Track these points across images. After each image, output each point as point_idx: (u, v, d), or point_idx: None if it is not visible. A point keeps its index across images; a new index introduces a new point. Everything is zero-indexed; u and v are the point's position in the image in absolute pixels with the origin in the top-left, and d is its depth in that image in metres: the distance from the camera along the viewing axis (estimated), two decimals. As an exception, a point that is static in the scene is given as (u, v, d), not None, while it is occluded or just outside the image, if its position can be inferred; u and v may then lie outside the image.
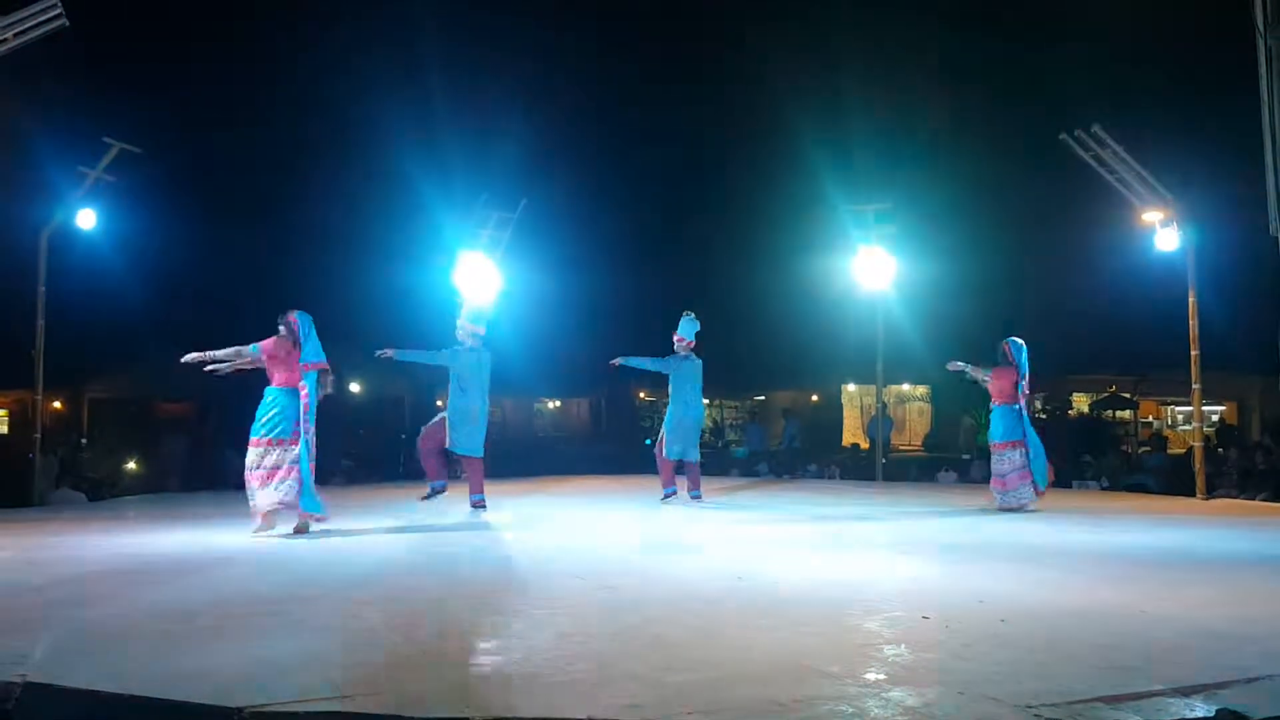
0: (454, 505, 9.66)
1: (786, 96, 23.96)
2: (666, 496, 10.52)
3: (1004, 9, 23.07)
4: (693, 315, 10.80)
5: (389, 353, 9.46)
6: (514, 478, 13.73)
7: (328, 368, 7.83)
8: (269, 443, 7.55)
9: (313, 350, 7.75)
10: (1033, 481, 9.73)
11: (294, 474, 7.49)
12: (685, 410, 10.70)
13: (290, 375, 7.71)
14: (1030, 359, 9.96)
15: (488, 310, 10.15)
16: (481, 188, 14.34)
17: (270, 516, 7.53)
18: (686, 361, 10.71)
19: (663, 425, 10.87)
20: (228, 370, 7.94)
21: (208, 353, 7.83)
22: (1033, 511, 9.62)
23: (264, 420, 7.62)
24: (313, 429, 7.65)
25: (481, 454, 9.58)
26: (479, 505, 9.39)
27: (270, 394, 7.72)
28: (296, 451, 7.53)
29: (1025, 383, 9.88)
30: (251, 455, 7.55)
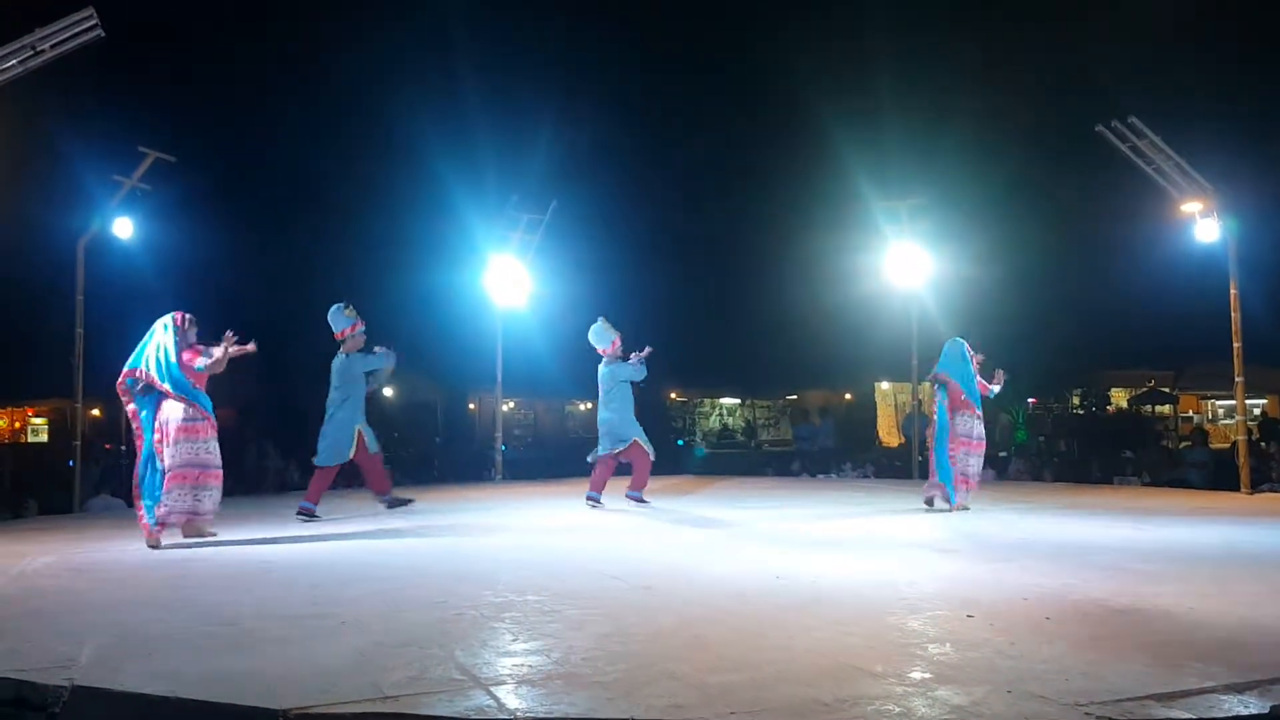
0: (488, 506, 9.68)
1: (819, 91, 23.86)
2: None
3: (1040, 1, 22.86)
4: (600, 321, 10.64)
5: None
6: (547, 479, 13.75)
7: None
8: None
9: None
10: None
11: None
12: (603, 413, 10.58)
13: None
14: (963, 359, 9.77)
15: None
16: (512, 190, 14.38)
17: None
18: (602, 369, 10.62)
19: (637, 435, 10.42)
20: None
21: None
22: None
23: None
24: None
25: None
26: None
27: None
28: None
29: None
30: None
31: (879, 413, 30.27)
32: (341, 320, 9.47)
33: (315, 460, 9.38)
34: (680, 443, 28.58)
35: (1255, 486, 11.50)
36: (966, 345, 9.87)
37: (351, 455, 9.26)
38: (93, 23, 9.64)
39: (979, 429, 9.72)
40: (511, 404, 27.94)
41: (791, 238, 25.38)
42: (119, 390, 7.57)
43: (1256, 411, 23.66)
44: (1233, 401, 12.67)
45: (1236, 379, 11.79)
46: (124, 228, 12.06)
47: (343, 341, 9.45)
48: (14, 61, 9.42)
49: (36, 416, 27.58)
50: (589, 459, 10.61)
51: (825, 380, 29.71)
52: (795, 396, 30.70)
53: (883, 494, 11.84)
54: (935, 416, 9.78)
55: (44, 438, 26.78)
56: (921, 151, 19.36)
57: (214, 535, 7.50)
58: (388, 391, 26.45)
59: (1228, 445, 16.22)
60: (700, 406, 34.37)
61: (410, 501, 9.60)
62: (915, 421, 15.55)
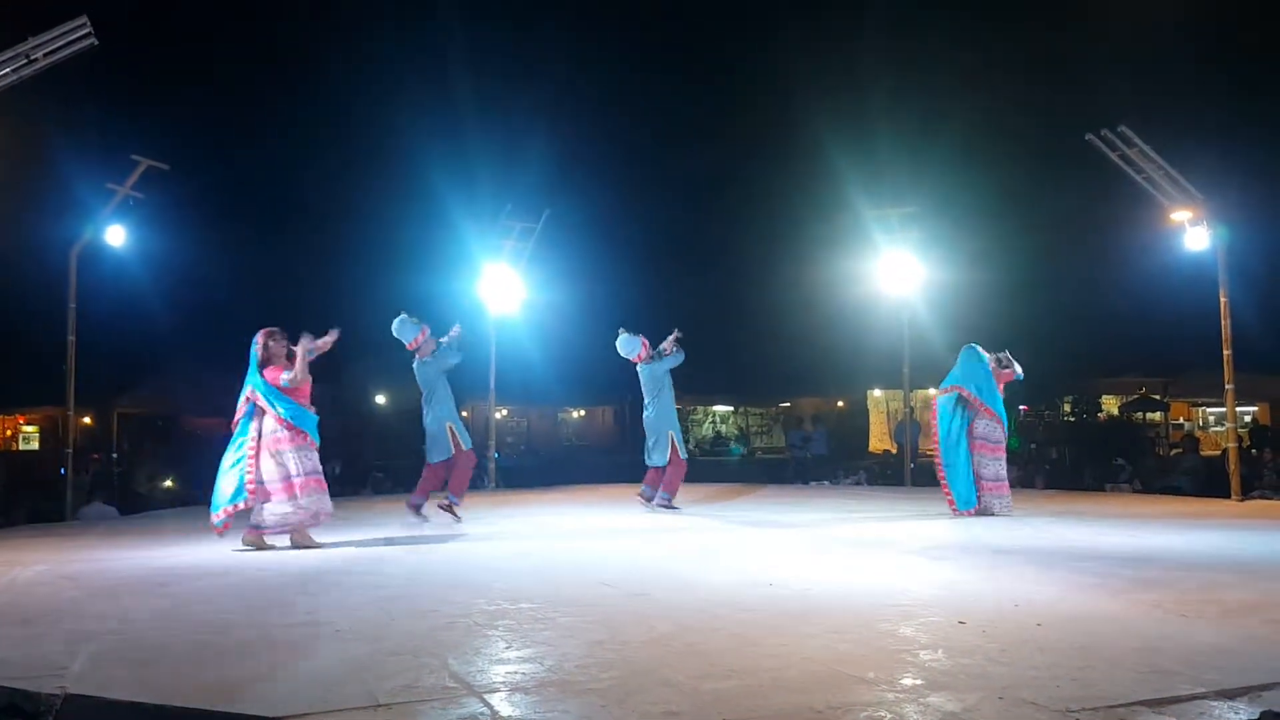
0: (481, 514, 9.68)
1: (811, 101, 23.98)
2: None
3: (1031, 10, 22.97)
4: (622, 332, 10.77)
5: None
6: (540, 487, 13.75)
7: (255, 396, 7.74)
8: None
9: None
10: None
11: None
12: (648, 411, 10.78)
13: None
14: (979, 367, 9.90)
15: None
16: (505, 199, 14.42)
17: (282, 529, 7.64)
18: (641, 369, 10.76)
19: (667, 429, 10.63)
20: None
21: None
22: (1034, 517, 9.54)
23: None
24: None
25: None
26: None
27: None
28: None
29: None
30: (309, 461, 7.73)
31: (871, 420, 30.35)
32: (409, 330, 9.60)
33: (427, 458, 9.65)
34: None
35: (1246, 493, 11.55)
36: (979, 349, 9.92)
37: (452, 451, 9.44)
38: (86, 31, 9.66)
39: (998, 433, 9.79)
40: (504, 411, 27.95)
41: (784, 246, 25.51)
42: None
43: (1247, 418, 23.77)
44: (1223, 409, 12.72)
45: (1227, 386, 11.84)
46: (117, 235, 12.06)
47: (417, 349, 9.57)
48: (8, 70, 9.44)
49: (27, 424, 27.52)
50: (649, 463, 10.71)
51: (818, 388, 29.78)
52: (789, 404, 30.74)
53: (875, 501, 11.87)
54: (937, 425, 9.84)
55: (35, 445, 26.72)
56: (913, 160, 19.48)
57: (318, 545, 7.61)
58: (380, 399, 26.47)
59: (1218, 452, 16.29)
60: (693, 414, 34.41)
61: (458, 518, 9.58)
62: (907, 429, 15.60)
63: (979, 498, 9.64)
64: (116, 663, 3.90)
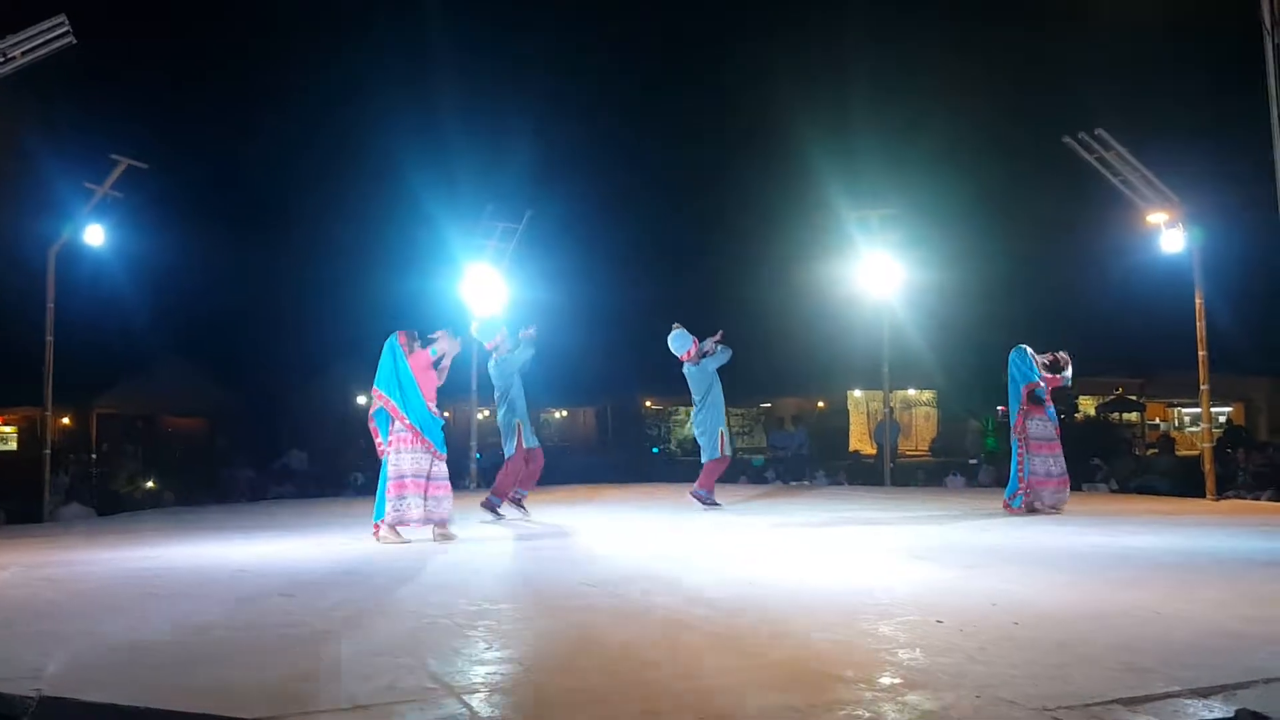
0: (461, 514, 9.66)
1: (791, 102, 24.02)
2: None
3: (1009, 12, 23.11)
4: (678, 327, 10.96)
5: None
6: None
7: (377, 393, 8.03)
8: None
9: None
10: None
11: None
12: (697, 414, 10.99)
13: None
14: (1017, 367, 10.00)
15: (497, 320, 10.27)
16: (487, 199, 14.41)
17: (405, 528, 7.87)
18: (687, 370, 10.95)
19: (718, 426, 10.89)
20: None
21: None
22: (1044, 515, 9.61)
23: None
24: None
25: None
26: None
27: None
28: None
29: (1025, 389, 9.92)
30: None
31: (851, 420, 30.45)
32: (489, 330, 9.98)
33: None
34: (655, 450, 28.62)
35: (1221, 493, 11.65)
36: (1029, 350, 9.99)
37: (514, 449, 9.73)
38: (65, 29, 9.60)
39: (1048, 429, 9.91)
40: (486, 412, 27.86)
41: (765, 246, 25.55)
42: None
43: (1222, 419, 23.97)
44: (1198, 409, 12.83)
45: (1202, 387, 11.94)
46: (96, 235, 11.98)
47: (495, 349, 9.87)
48: (-15, 68, 9.36)
49: (5, 425, 27.29)
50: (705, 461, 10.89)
51: (799, 388, 29.85)
52: (769, 405, 30.80)
53: (855, 501, 11.91)
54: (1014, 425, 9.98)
55: (13, 446, 26.51)
56: (893, 162, 19.54)
57: (453, 537, 7.95)
58: (362, 400, 26.35)
59: (1194, 452, 16.43)
60: (675, 415, 34.43)
61: (500, 517, 9.73)
62: (886, 429, 15.65)
63: (1024, 493, 9.74)
64: (92, 665, 3.88)
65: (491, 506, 9.70)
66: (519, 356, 9.85)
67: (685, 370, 10.91)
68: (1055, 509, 9.71)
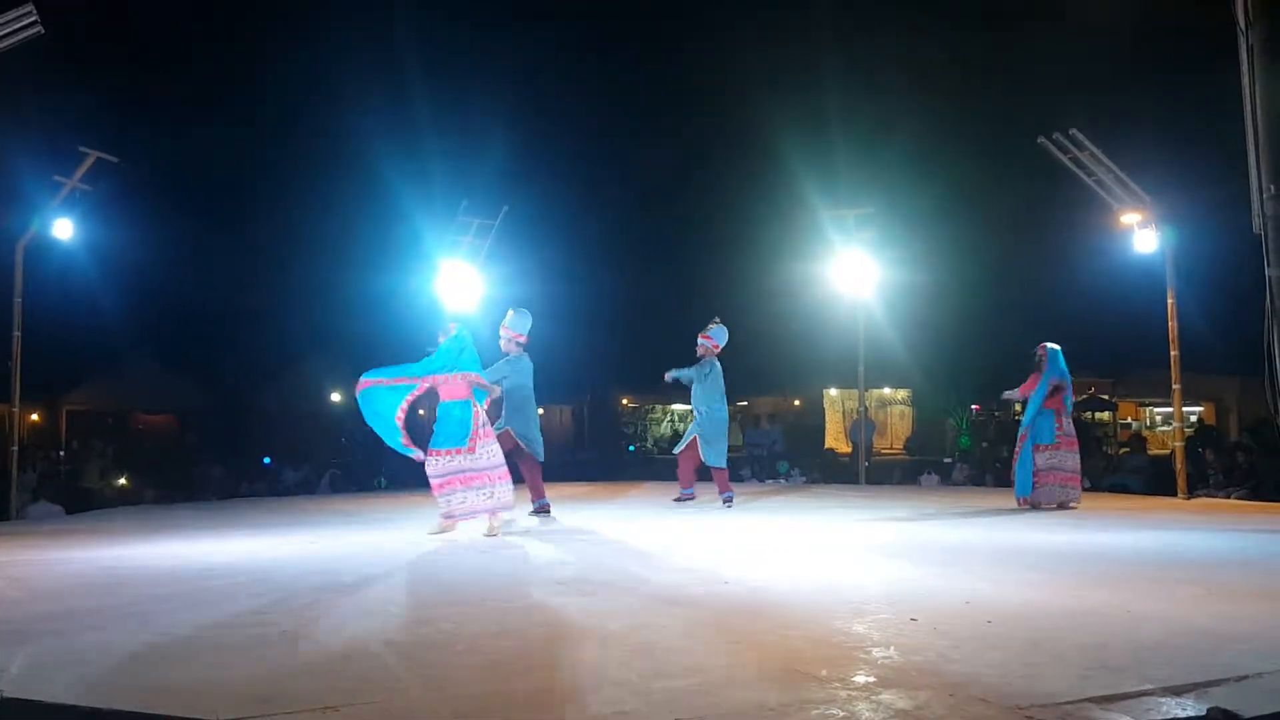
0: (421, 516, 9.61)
1: (767, 101, 24.04)
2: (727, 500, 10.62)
3: (981, 13, 23.22)
4: (721, 323, 10.98)
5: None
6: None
7: (479, 380, 8.18)
8: (448, 452, 7.94)
9: (469, 361, 8.10)
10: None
11: (477, 480, 7.96)
12: (722, 413, 10.88)
13: (453, 389, 8.05)
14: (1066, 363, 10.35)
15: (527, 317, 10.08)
16: (462, 195, 14.32)
17: (453, 521, 7.94)
18: (715, 366, 10.84)
19: (697, 431, 10.80)
20: None
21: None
22: (1019, 512, 9.68)
23: (442, 433, 8.02)
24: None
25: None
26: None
27: (442, 409, 8.11)
28: (479, 459, 7.99)
29: (1069, 389, 10.37)
30: (434, 466, 7.93)
31: (827, 419, 30.54)
32: (521, 323, 10.03)
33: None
34: (631, 449, 28.60)
35: (1192, 492, 11.75)
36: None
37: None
38: (33, 19, 9.47)
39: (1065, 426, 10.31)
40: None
41: (741, 245, 25.55)
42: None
43: (1193, 418, 24.18)
44: (1170, 408, 12.93)
45: (1174, 386, 12.04)
46: (64, 229, 11.82)
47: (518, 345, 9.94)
48: (-50, 58, 9.22)
49: (-29, 421, 26.90)
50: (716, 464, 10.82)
51: (775, 387, 29.90)
52: (745, 403, 30.85)
53: (830, 499, 11.93)
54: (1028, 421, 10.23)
55: (-21, 443, 26.13)
56: (868, 161, 19.60)
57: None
58: (335, 397, 26.22)
59: (1166, 451, 16.55)
60: (652, 413, 34.42)
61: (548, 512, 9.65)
62: (862, 428, 15.70)
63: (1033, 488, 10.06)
64: (55, 665, 3.82)
65: (544, 509, 9.65)
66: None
67: (714, 366, 10.81)
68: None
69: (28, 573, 6.43)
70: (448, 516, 7.95)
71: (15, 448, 11.88)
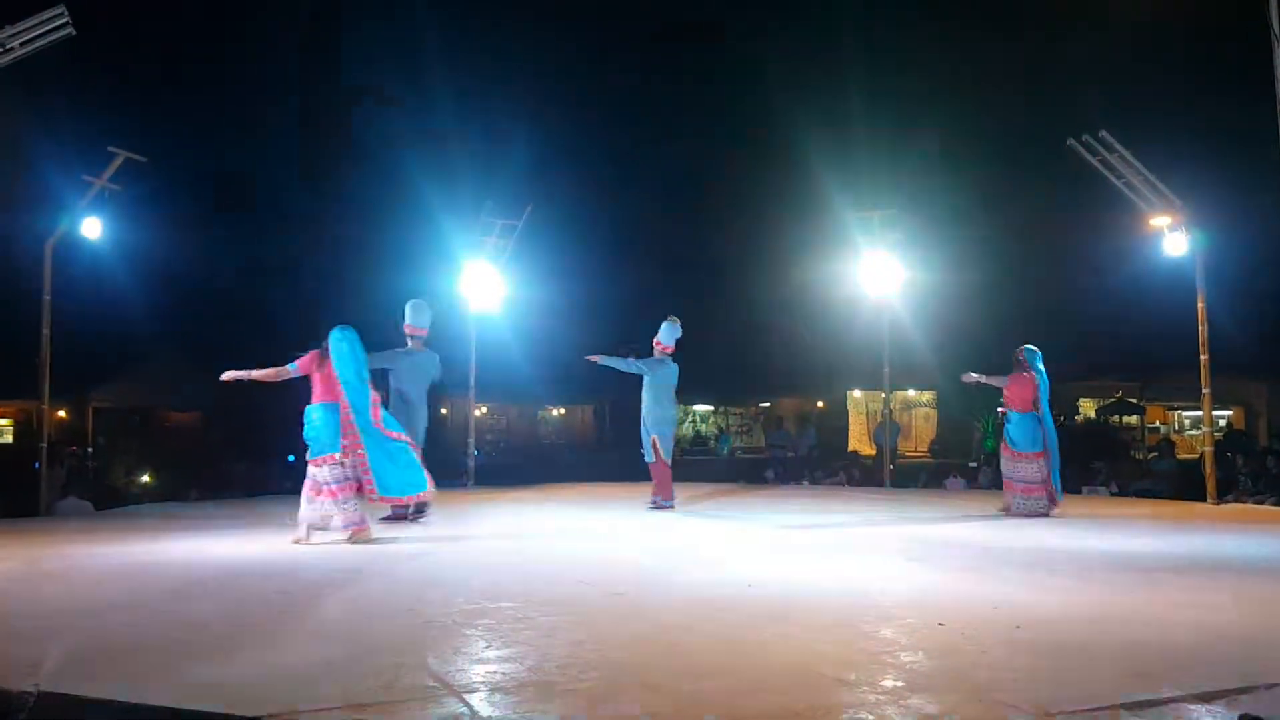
0: (459, 512, 9.64)
1: (792, 102, 23.98)
2: (663, 506, 10.44)
3: (1012, 14, 23.08)
4: (676, 321, 10.78)
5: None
6: (519, 485, 13.70)
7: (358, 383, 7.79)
8: (315, 461, 7.66)
9: (342, 365, 7.74)
10: (1049, 491, 9.81)
11: (342, 492, 7.55)
12: (672, 412, 10.79)
13: (326, 390, 7.75)
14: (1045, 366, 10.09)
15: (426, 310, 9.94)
16: (486, 195, 14.35)
17: (307, 529, 7.60)
18: (665, 365, 10.66)
19: (652, 429, 10.57)
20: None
21: (248, 372, 7.83)
22: (1049, 518, 9.61)
23: (309, 439, 7.74)
24: (378, 425, 7.75)
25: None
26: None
27: (308, 411, 7.80)
28: (342, 470, 7.59)
29: (1044, 391, 10.00)
30: (310, 471, 7.68)
31: (851, 421, 30.41)
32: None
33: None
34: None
35: (1221, 497, 11.63)
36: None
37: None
38: (64, 20, 9.56)
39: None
40: (484, 409, 27.85)
41: (766, 246, 25.50)
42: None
43: (1222, 422, 23.95)
44: (1199, 412, 12.80)
45: (1203, 390, 11.92)
46: (93, 228, 11.92)
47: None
48: (-16, 59, 9.33)
49: (2, 418, 27.22)
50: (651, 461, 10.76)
51: (798, 388, 29.81)
52: (768, 404, 30.78)
53: (855, 502, 11.88)
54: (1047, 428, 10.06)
55: (9, 439, 26.44)
56: (894, 162, 19.50)
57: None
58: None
59: (1195, 456, 16.41)
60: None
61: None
62: (886, 430, 15.62)
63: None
64: (91, 660, 3.86)
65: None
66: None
67: (652, 363, 10.60)
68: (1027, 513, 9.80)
69: (60, 568, 6.50)
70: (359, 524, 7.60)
71: (44, 444, 11.99)
